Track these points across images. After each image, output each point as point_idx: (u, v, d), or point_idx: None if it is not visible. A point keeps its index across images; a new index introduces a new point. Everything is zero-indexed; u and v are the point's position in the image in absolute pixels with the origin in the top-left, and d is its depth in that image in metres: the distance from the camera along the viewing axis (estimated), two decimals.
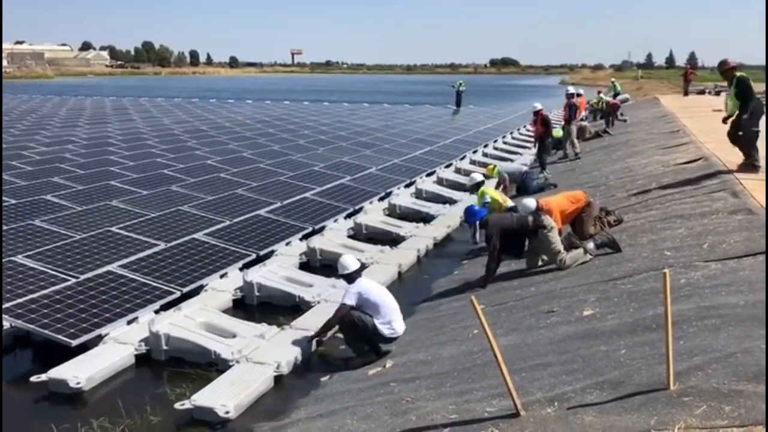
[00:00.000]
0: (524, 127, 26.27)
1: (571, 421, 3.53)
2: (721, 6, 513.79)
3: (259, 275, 7.79)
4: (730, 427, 3.05)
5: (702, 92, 35.36)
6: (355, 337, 6.11)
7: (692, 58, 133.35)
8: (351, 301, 6.03)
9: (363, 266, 7.05)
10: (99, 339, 6.28)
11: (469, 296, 6.73)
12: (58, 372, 5.62)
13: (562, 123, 17.74)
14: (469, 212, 8.15)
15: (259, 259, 8.70)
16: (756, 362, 3.62)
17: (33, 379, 5.63)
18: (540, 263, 7.70)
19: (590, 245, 7.51)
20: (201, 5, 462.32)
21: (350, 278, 6.23)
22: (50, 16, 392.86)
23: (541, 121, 14.90)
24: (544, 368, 4.49)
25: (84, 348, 6.13)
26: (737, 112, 9.40)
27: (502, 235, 7.52)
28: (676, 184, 9.66)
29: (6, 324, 6.34)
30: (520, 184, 12.89)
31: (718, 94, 36.03)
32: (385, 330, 6.02)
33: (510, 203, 9.71)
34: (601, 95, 26.41)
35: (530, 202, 7.94)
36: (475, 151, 19.77)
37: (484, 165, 17.95)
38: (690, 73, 35.20)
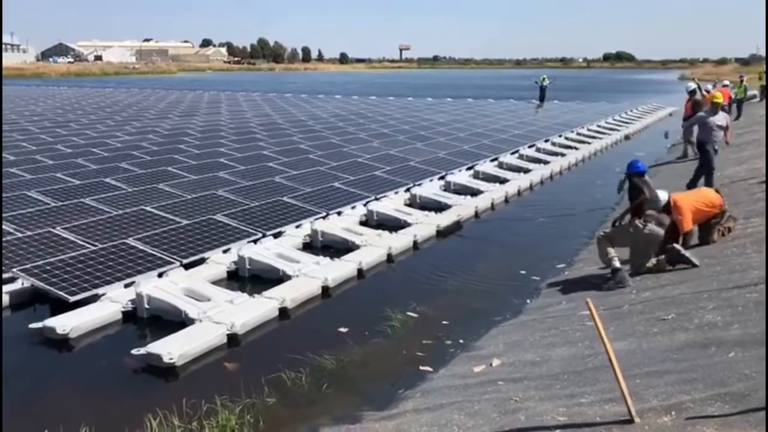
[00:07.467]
0: (596, 124, 25.92)
1: None
2: None
3: (252, 251, 8.69)
4: None
5: None
6: None
7: None
8: None
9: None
10: (97, 297, 7.39)
11: (579, 298, 7.04)
12: (51, 321, 6.74)
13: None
14: (630, 164, 7.72)
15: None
16: None
17: (32, 326, 6.80)
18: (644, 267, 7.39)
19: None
20: (315, 3, 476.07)
21: None
22: (175, 15, 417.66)
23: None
24: (660, 376, 4.38)
25: (84, 304, 7.25)
26: None
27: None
28: None
29: (27, 283, 7.58)
30: None
31: None
32: None
33: None
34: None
35: (662, 194, 7.55)
36: (531, 146, 19.95)
37: (533, 159, 18.14)
38: None
